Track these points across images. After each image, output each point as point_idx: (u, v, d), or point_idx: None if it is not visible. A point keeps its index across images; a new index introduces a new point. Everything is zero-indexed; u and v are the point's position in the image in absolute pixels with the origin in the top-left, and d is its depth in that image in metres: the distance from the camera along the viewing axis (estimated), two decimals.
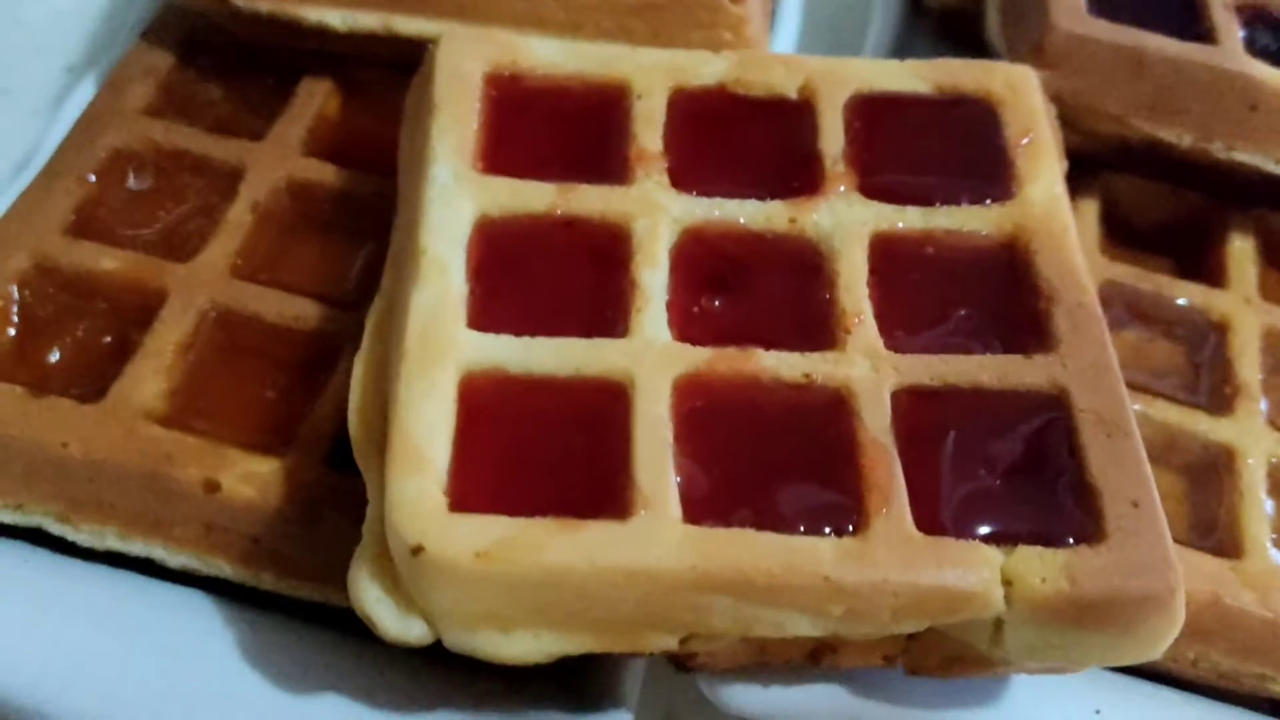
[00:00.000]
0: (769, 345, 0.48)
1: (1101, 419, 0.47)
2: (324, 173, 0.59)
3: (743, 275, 0.51)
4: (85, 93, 0.65)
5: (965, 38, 0.72)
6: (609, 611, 0.43)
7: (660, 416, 0.45)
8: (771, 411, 0.47)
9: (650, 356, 0.47)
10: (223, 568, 0.51)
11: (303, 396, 0.53)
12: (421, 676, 0.50)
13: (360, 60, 0.64)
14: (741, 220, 0.52)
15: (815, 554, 0.43)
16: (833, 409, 0.47)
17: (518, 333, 0.47)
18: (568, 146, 0.53)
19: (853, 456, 0.45)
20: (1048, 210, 0.53)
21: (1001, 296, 0.51)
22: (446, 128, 0.52)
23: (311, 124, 0.61)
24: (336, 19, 0.60)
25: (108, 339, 0.54)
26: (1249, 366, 0.60)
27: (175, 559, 0.51)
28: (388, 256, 0.53)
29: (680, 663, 0.47)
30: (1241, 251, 0.65)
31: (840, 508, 0.44)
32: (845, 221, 0.52)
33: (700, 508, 0.44)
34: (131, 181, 0.59)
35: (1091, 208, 0.65)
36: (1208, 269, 0.65)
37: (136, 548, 0.51)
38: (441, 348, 0.46)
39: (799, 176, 0.53)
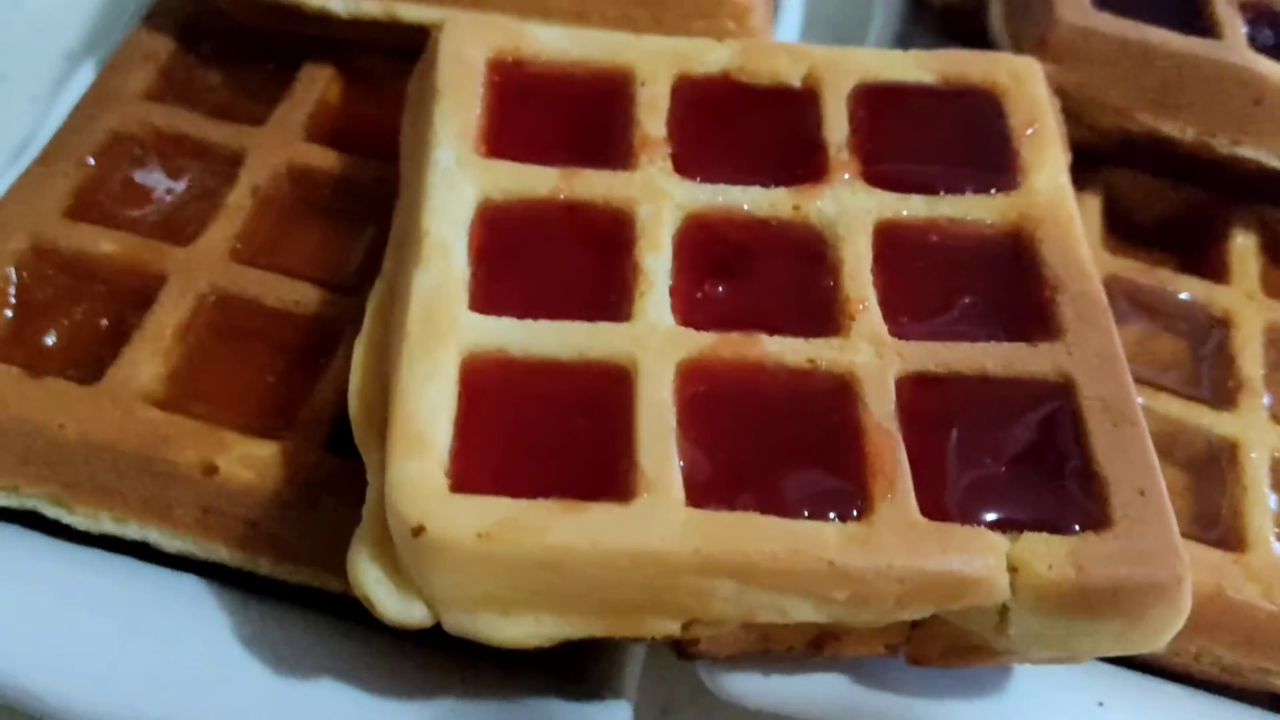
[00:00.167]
0: (772, 331, 0.48)
1: (1108, 407, 0.47)
2: (325, 158, 0.59)
3: (746, 261, 0.50)
4: (84, 79, 0.65)
5: (966, 34, 0.72)
6: (611, 594, 0.42)
7: (663, 400, 0.45)
8: (775, 397, 0.46)
9: (654, 340, 0.46)
10: (220, 552, 0.50)
11: (302, 381, 0.52)
12: (419, 664, 0.50)
13: (361, 47, 0.63)
14: (745, 206, 0.51)
15: (820, 538, 0.43)
16: (837, 395, 0.46)
17: (520, 315, 0.47)
18: (571, 132, 0.53)
19: (857, 442, 0.45)
20: (1053, 200, 0.53)
21: (1006, 285, 0.51)
22: (449, 112, 0.52)
23: (313, 109, 0.61)
24: (339, 4, 0.60)
25: (105, 322, 0.54)
26: (1252, 361, 0.60)
27: (172, 543, 0.51)
28: (389, 240, 0.52)
29: (682, 649, 0.46)
30: (1244, 247, 0.65)
31: (844, 493, 0.44)
32: (849, 209, 0.51)
33: (703, 491, 0.43)
34: (131, 165, 0.59)
35: (1093, 203, 0.65)
36: (1210, 265, 0.65)
37: (132, 531, 0.51)
38: (443, 329, 0.45)
39: (803, 164, 0.53)
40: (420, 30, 0.60)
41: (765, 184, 0.52)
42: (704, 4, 0.60)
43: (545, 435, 0.44)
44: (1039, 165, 0.54)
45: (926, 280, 0.51)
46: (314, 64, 0.63)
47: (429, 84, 0.53)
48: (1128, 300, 0.62)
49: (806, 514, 0.43)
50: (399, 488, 0.42)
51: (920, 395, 0.47)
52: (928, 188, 0.53)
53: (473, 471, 0.43)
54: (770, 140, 0.54)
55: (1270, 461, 0.56)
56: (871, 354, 0.47)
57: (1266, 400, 0.59)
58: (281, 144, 0.59)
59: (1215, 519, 0.56)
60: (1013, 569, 0.43)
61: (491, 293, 0.47)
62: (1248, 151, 0.63)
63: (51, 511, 0.51)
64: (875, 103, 0.55)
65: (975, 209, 0.52)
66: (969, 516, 0.44)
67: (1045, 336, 0.49)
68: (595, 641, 0.46)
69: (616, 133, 0.53)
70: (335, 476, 0.49)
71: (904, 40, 0.75)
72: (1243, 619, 0.52)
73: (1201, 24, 0.64)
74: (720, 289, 0.49)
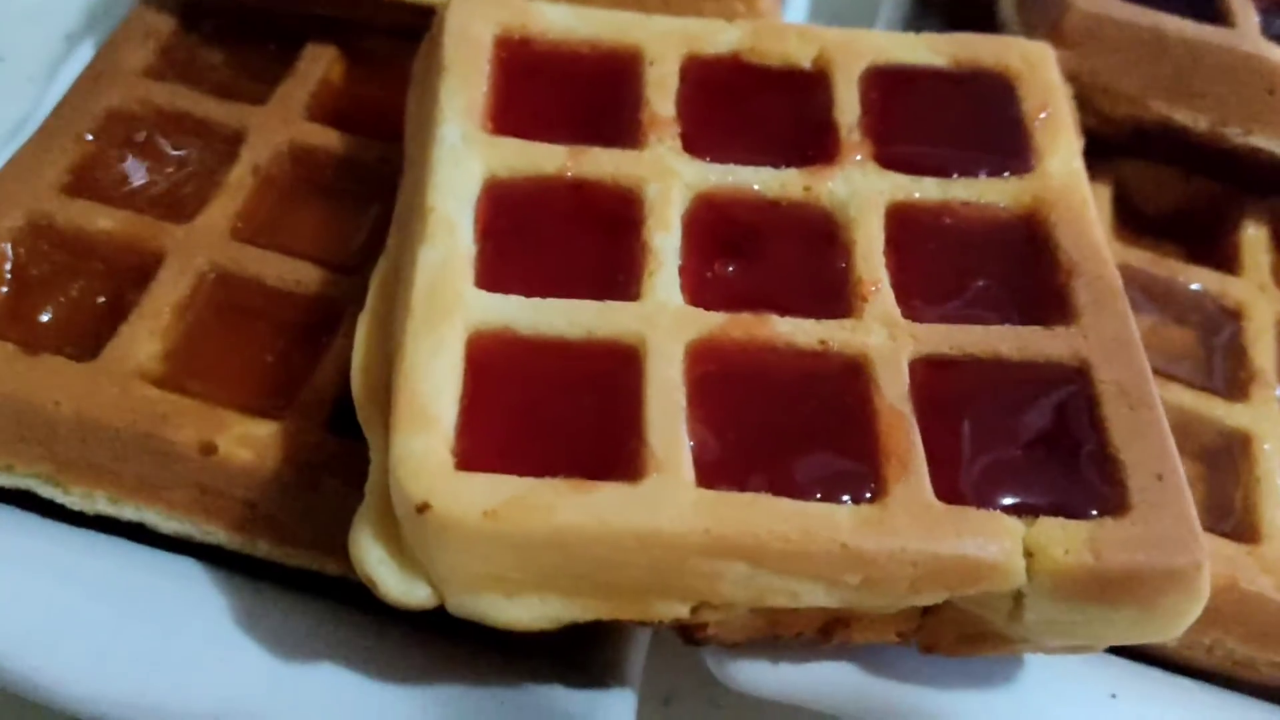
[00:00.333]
0: (783, 312, 0.47)
1: (1124, 391, 0.46)
2: (327, 138, 0.58)
3: (756, 242, 0.50)
4: (82, 60, 0.64)
5: (972, 24, 0.71)
6: (618, 576, 0.41)
7: (673, 380, 0.44)
8: (786, 378, 0.45)
9: (663, 320, 0.46)
10: (217, 534, 0.49)
11: (302, 360, 0.52)
12: (419, 649, 0.49)
13: (364, 27, 0.63)
14: (755, 187, 0.51)
15: (832, 520, 0.42)
16: (849, 376, 0.46)
17: (527, 293, 0.46)
18: (578, 110, 0.52)
19: (870, 424, 0.44)
20: (1067, 184, 0.52)
21: (1020, 269, 0.50)
22: (455, 89, 0.51)
23: (315, 89, 0.60)
24: None
25: (103, 299, 0.53)
26: (1264, 353, 0.60)
27: (168, 524, 0.50)
28: (393, 217, 0.51)
29: (689, 634, 0.45)
30: (1255, 239, 0.64)
31: (858, 475, 0.43)
32: (861, 191, 0.51)
33: (714, 472, 0.42)
34: (130, 143, 0.58)
35: (1104, 193, 0.64)
36: (1221, 256, 0.64)
37: (128, 512, 0.50)
38: (449, 305, 0.45)
39: (814, 145, 0.52)
40: (424, 10, 0.59)
41: (776, 165, 0.51)
42: None
43: (552, 414, 0.43)
44: (1053, 149, 0.53)
45: (939, 263, 0.50)
46: (316, 44, 0.62)
47: (435, 60, 0.52)
48: (1139, 290, 0.61)
49: (819, 496, 0.42)
50: (403, 464, 0.41)
51: (934, 378, 0.46)
52: (940, 170, 0.52)
53: (478, 449, 0.42)
54: (780, 121, 0.53)
55: None
56: (884, 336, 0.47)
57: (1279, 392, 0.58)
58: (283, 123, 0.58)
59: (1228, 511, 0.55)
60: (1028, 554, 0.42)
61: (497, 270, 0.47)
62: (1260, 141, 0.62)
63: (46, 491, 0.50)
64: (887, 85, 0.54)
65: (988, 192, 0.52)
66: (984, 500, 0.43)
67: (1060, 320, 0.48)
68: (599, 628, 0.45)
69: (625, 111, 0.52)
70: (336, 457, 0.49)
71: (910, 28, 0.75)
72: (1257, 611, 0.52)
73: (1214, 12, 0.64)
74: (730, 269, 0.49)
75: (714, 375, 0.45)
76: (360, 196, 0.57)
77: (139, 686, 0.47)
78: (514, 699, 0.48)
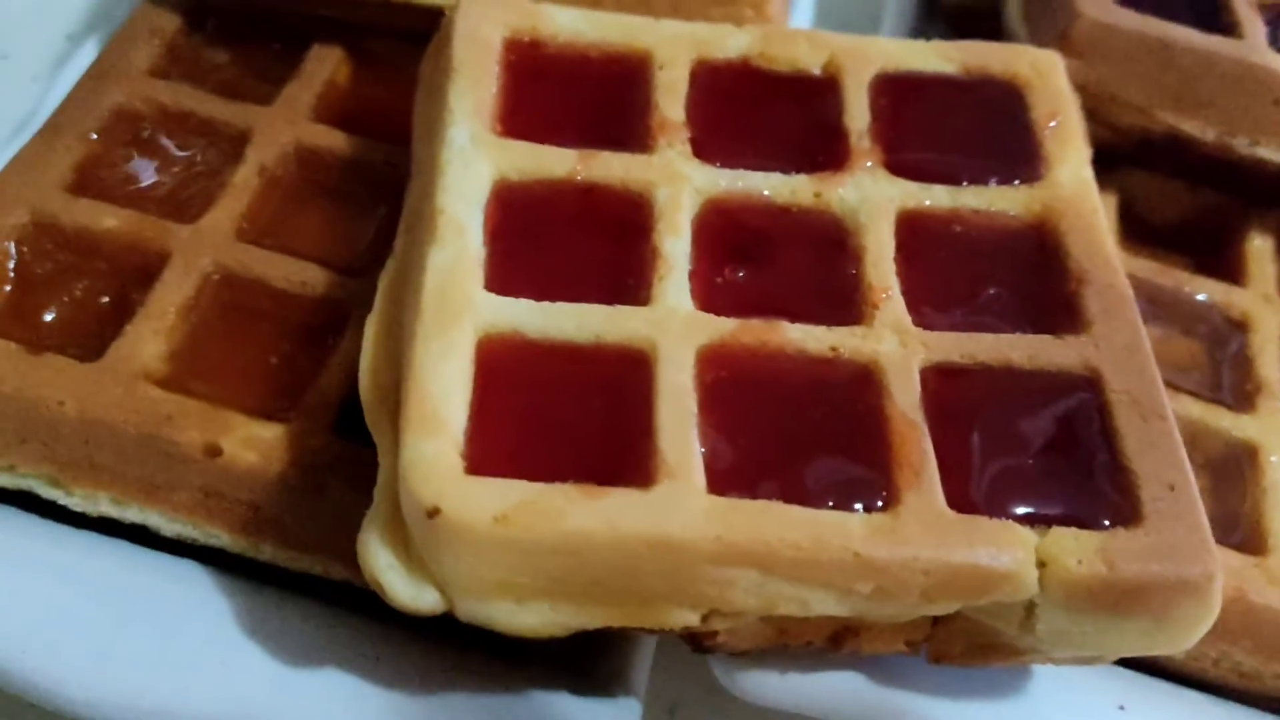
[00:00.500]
0: (794, 318, 0.47)
1: (1136, 401, 0.46)
2: (333, 139, 0.58)
3: (766, 247, 0.49)
4: (86, 58, 0.63)
5: (978, 33, 0.71)
6: (629, 582, 0.41)
7: (684, 385, 0.44)
8: (797, 384, 0.45)
9: (673, 325, 0.45)
10: (221, 537, 0.49)
11: (308, 363, 0.51)
12: (424, 656, 0.49)
13: (369, 29, 0.62)
14: (765, 193, 0.50)
15: (844, 528, 0.41)
16: (860, 384, 0.45)
17: (536, 297, 0.46)
18: (587, 114, 0.52)
19: (882, 432, 0.44)
20: (1077, 192, 0.52)
21: (1030, 277, 0.50)
22: (465, 91, 0.50)
23: (321, 90, 0.60)
24: None
25: (106, 299, 0.53)
26: (1270, 364, 0.59)
27: (171, 526, 0.49)
28: (401, 219, 0.51)
29: (698, 643, 0.45)
30: (1261, 250, 0.64)
31: (869, 483, 0.43)
32: (871, 197, 0.50)
33: (725, 479, 0.42)
34: (135, 141, 0.57)
35: (1109, 203, 0.64)
36: (1226, 267, 0.64)
37: (131, 514, 0.49)
38: (459, 308, 0.44)
39: (824, 151, 0.52)
40: (430, 13, 0.59)
41: (786, 170, 0.51)
42: None
43: (562, 418, 0.43)
44: (1063, 158, 0.53)
45: (949, 270, 0.50)
46: (322, 45, 0.62)
47: (444, 62, 0.52)
48: (1145, 300, 0.61)
49: (831, 504, 0.42)
50: (414, 467, 0.40)
51: (945, 386, 0.46)
52: (950, 178, 0.52)
53: (488, 453, 0.42)
54: (790, 127, 0.53)
55: None
56: (895, 343, 0.46)
57: None
58: (289, 124, 0.58)
59: (1235, 522, 0.55)
60: (1041, 564, 0.42)
61: (507, 273, 0.46)
62: (1266, 152, 0.62)
63: (48, 493, 0.49)
64: (897, 91, 0.54)
65: (999, 200, 0.51)
66: (996, 509, 0.43)
67: (1071, 329, 0.48)
68: (605, 636, 0.45)
69: (634, 115, 0.52)
70: (341, 460, 0.48)
71: (915, 36, 0.74)
72: (1264, 624, 0.52)
73: (1221, 23, 0.64)
74: (740, 275, 0.48)
75: (725, 381, 0.45)
76: (366, 198, 0.57)
77: (140, 690, 0.46)
78: (519, 707, 0.48)
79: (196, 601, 0.48)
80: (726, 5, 0.60)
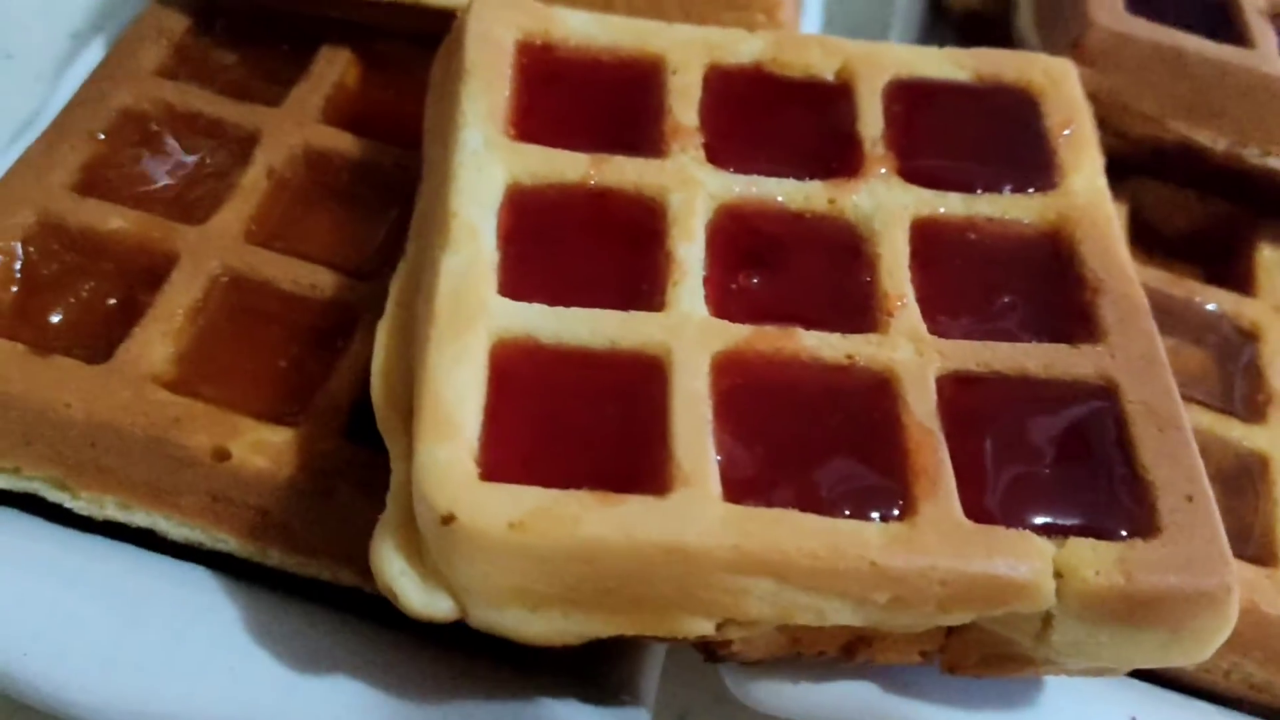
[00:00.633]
0: (808, 325, 0.46)
1: (1152, 411, 0.46)
2: (342, 142, 0.57)
3: (780, 254, 0.49)
4: (91, 58, 0.63)
5: (987, 40, 0.71)
6: (644, 590, 0.41)
7: (699, 392, 0.43)
8: (812, 392, 0.45)
9: (688, 331, 0.45)
10: (228, 541, 0.48)
11: (317, 367, 0.51)
12: (433, 662, 0.48)
13: (379, 31, 0.62)
14: (779, 199, 0.50)
15: (861, 537, 0.41)
16: (876, 392, 0.45)
17: (550, 302, 0.45)
18: (600, 118, 0.52)
19: (898, 440, 0.44)
20: (1091, 201, 0.52)
21: (1045, 286, 0.50)
22: (477, 93, 0.50)
23: (330, 92, 0.59)
24: None
25: (113, 300, 0.52)
26: None
27: (178, 531, 0.49)
28: (411, 222, 0.51)
29: (711, 652, 0.45)
30: (1271, 260, 0.64)
31: (886, 492, 0.43)
32: (886, 204, 0.50)
33: (741, 487, 0.42)
34: (142, 142, 0.57)
35: (1120, 213, 0.64)
36: (1236, 278, 0.64)
37: (138, 518, 0.49)
38: (472, 312, 0.44)
39: (838, 158, 0.52)
40: (441, 15, 0.58)
41: (799, 176, 0.51)
42: None
43: (576, 424, 0.43)
44: (1077, 166, 0.53)
45: (964, 278, 0.50)
46: (331, 47, 0.61)
47: (456, 64, 0.52)
48: (1155, 310, 0.60)
49: (847, 513, 0.42)
50: (428, 473, 0.40)
51: (961, 394, 0.45)
52: (965, 185, 0.52)
53: (502, 459, 0.41)
54: (803, 133, 0.53)
55: None
56: (911, 351, 0.46)
57: None
58: (297, 126, 0.57)
59: (1247, 533, 0.55)
60: (1058, 575, 0.42)
61: (520, 278, 0.46)
62: (1278, 163, 0.62)
63: (54, 495, 0.49)
64: (910, 98, 0.54)
65: (1013, 208, 0.51)
66: (1013, 519, 0.43)
67: (1087, 338, 0.48)
68: (614, 644, 0.45)
69: (647, 120, 0.52)
70: (351, 465, 0.48)
71: (923, 42, 0.74)
72: (1276, 635, 0.51)
73: (1233, 33, 0.64)
74: (754, 281, 0.48)
75: (740, 388, 0.44)
76: (375, 201, 0.56)
77: (146, 696, 0.46)
78: (527, 715, 0.47)
79: (203, 607, 0.48)
80: (739, 10, 0.60)
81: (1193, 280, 0.63)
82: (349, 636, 0.48)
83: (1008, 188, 0.52)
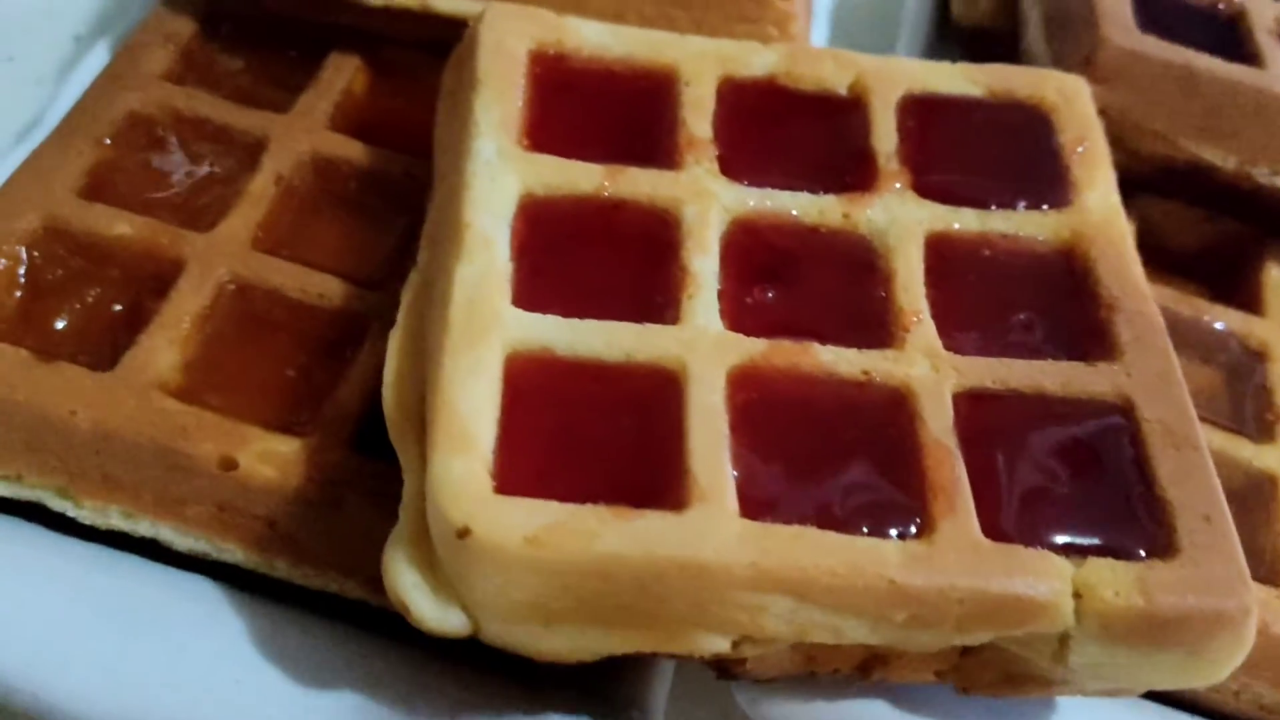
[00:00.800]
0: (823, 340, 0.46)
1: (1169, 430, 0.45)
2: (351, 149, 0.57)
3: (794, 268, 0.49)
4: (93, 62, 0.62)
5: (993, 55, 0.71)
6: (660, 607, 0.40)
7: (715, 406, 0.43)
8: (829, 408, 0.44)
9: (704, 345, 0.45)
10: (234, 552, 0.48)
11: (325, 376, 0.50)
12: (438, 678, 0.47)
13: (388, 39, 0.61)
14: (794, 212, 0.50)
15: (880, 556, 0.41)
16: (893, 408, 0.45)
17: (564, 314, 0.45)
18: (614, 129, 0.51)
19: (915, 457, 0.43)
20: (1106, 218, 0.52)
21: (1060, 303, 0.49)
22: (490, 103, 0.50)
23: (339, 99, 0.59)
24: None
25: (119, 307, 0.51)
26: None
27: (183, 541, 0.48)
28: (423, 233, 0.50)
29: (724, 669, 0.44)
30: (1279, 280, 0.64)
31: (904, 509, 0.42)
32: (900, 219, 0.50)
33: (758, 503, 0.41)
34: (149, 147, 0.56)
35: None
36: (1244, 297, 0.64)
37: (143, 527, 0.48)
38: (487, 323, 0.43)
39: (852, 172, 0.52)
40: (449, 23, 0.58)
41: (814, 190, 0.51)
42: (747, 8, 0.59)
43: (591, 437, 0.42)
44: (1091, 183, 0.53)
45: (979, 295, 0.49)
46: (340, 54, 0.61)
47: (468, 73, 0.51)
48: None
49: (865, 530, 0.41)
50: (443, 486, 0.39)
51: (977, 412, 0.45)
52: (979, 201, 0.52)
53: (518, 472, 0.41)
54: (817, 147, 0.53)
55: None
56: (927, 367, 0.46)
57: None
58: (306, 132, 0.57)
59: (1258, 554, 0.54)
60: (1077, 594, 0.42)
61: (534, 289, 0.45)
62: None
63: (57, 504, 0.48)
64: (924, 113, 0.54)
65: (1027, 225, 0.51)
66: (1030, 538, 0.42)
67: (1102, 356, 0.47)
68: (623, 660, 0.44)
69: (661, 132, 0.51)
70: (360, 476, 0.47)
71: (929, 58, 0.74)
72: None
73: (1243, 52, 0.64)
74: (769, 295, 0.48)
75: (756, 403, 0.44)
76: (384, 210, 0.56)
77: (149, 708, 0.45)
78: None
79: (208, 618, 0.47)
80: (750, 23, 0.59)
81: (1200, 299, 0.63)
82: (356, 650, 0.47)
83: (1022, 204, 0.52)
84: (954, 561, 0.41)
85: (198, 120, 0.57)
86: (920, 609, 0.41)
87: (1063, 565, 0.42)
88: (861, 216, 0.50)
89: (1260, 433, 0.58)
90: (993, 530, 0.42)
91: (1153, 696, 0.51)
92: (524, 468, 0.41)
